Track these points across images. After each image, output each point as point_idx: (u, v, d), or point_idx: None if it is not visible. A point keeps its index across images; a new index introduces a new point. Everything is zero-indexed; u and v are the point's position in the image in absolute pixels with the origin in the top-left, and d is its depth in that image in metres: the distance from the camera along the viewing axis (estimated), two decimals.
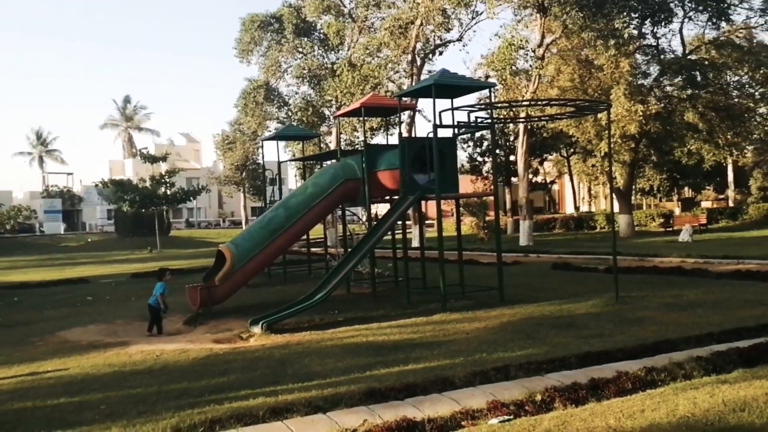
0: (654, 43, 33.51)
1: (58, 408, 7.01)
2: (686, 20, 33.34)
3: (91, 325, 12.69)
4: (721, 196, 53.10)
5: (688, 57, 33.31)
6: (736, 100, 33.49)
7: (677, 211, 47.10)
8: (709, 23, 32.83)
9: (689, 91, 31.56)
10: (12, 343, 11.18)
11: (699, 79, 32.60)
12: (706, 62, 32.90)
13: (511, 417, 5.74)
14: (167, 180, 44.28)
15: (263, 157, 25.36)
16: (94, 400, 7.21)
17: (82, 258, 37.07)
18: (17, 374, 8.73)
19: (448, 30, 33.98)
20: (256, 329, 11.07)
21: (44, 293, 18.87)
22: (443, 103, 14.07)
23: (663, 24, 32.49)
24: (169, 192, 44.88)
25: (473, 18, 33.88)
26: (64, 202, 71.75)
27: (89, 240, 52.93)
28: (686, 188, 56.19)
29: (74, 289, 19.51)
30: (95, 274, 24.01)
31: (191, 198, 47.02)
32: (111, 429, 6.04)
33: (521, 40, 29.73)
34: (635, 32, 32.09)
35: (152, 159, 44.52)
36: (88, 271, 25.60)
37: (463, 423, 5.67)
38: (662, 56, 33.48)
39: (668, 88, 33.50)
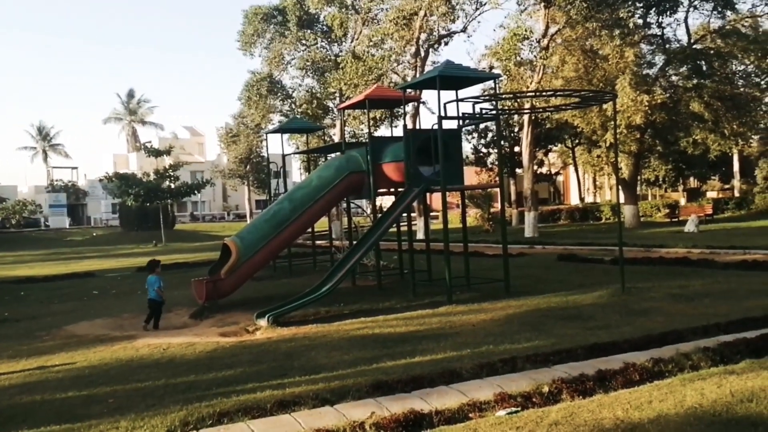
0: (659, 33, 33.33)
1: (66, 401, 7.04)
2: (691, 9, 33.09)
3: (97, 319, 12.75)
4: (727, 186, 52.89)
5: (694, 46, 33.11)
6: (741, 89, 33.21)
7: (683, 201, 46.95)
8: (715, 12, 32.60)
9: (695, 81, 31.37)
10: (19, 337, 11.23)
11: (704, 68, 32.41)
12: (712, 51, 32.70)
13: (519, 409, 5.74)
14: (171, 174, 44.37)
15: (267, 150, 25.51)
16: (102, 394, 7.24)
17: (87, 252, 37.19)
18: (25, 368, 8.76)
19: (452, 21, 33.88)
20: (263, 322, 11.08)
21: (50, 287, 18.93)
22: (448, 95, 14.03)
23: (668, 13, 32.29)
24: (173, 185, 44.95)
25: (477, 8, 33.77)
26: (68, 196, 72.00)
27: (94, 234, 53.11)
28: (692, 178, 56.02)
29: (80, 283, 19.56)
30: (101, 268, 24.06)
31: (195, 191, 47.12)
32: (119, 422, 6.04)
33: (526, 30, 29.62)
34: (640, 22, 31.93)
35: (156, 153, 44.63)
36: (93, 266, 25.67)
37: (470, 415, 5.67)
38: (667, 46, 33.30)
39: (674, 78, 33.33)
